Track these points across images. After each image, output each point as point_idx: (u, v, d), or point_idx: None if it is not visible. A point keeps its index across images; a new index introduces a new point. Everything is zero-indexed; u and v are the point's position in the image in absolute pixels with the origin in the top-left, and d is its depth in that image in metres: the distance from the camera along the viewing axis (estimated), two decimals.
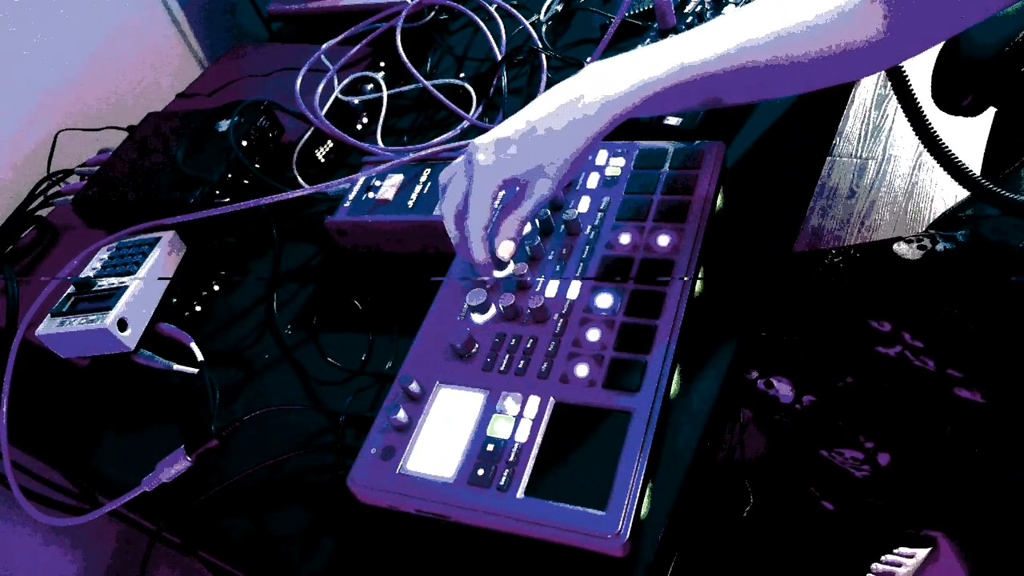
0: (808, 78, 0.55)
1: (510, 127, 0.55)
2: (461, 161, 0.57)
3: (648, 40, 0.80)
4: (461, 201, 0.55)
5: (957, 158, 0.63)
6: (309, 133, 0.84)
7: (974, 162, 0.66)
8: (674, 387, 0.54)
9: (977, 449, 0.61)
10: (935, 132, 0.63)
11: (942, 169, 0.64)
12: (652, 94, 0.54)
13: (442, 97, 0.83)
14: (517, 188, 0.55)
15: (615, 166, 0.67)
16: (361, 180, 0.75)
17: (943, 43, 0.73)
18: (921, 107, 0.62)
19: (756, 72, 0.53)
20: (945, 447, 0.62)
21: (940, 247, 0.64)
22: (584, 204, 0.65)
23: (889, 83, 0.62)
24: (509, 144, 0.54)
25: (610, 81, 0.54)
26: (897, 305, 0.64)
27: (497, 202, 0.55)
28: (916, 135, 0.63)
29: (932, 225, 0.75)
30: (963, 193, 0.73)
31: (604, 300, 0.57)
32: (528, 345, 0.56)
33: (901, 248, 0.66)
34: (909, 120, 0.63)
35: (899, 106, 0.62)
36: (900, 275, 0.65)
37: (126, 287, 0.67)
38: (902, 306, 0.64)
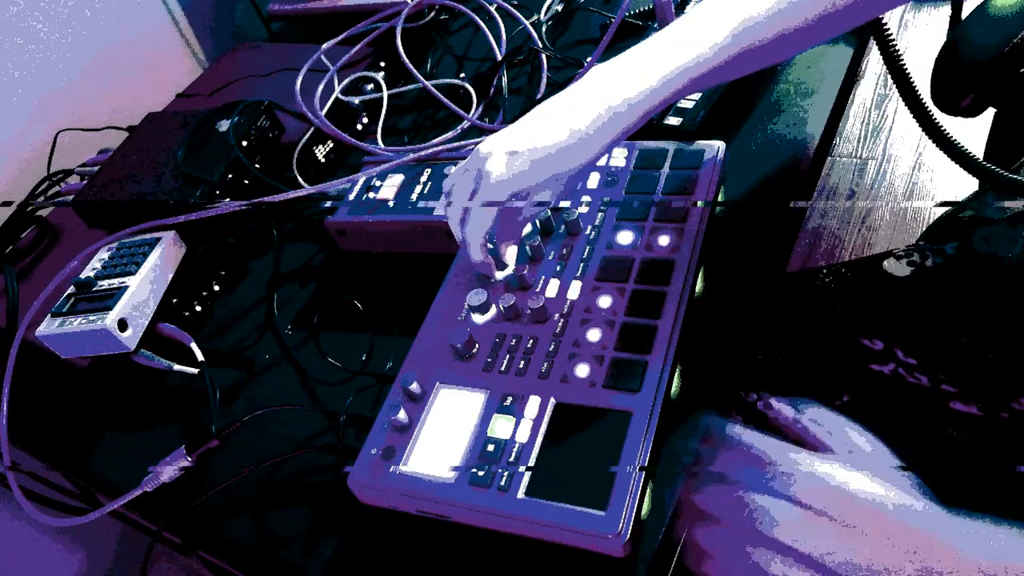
0: (819, 34, 0.54)
1: (520, 140, 0.54)
2: (464, 166, 0.57)
3: None
4: (462, 207, 0.56)
5: (956, 141, 0.62)
6: (309, 133, 0.84)
7: None
8: (674, 387, 0.54)
9: (976, 458, 0.61)
10: (930, 110, 0.62)
11: (940, 151, 0.63)
12: (658, 102, 0.53)
13: (442, 97, 0.83)
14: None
15: (615, 166, 0.67)
16: (361, 180, 0.75)
17: (943, 44, 0.73)
18: (913, 80, 0.62)
19: (759, 51, 0.53)
20: (946, 460, 0.62)
21: (929, 262, 0.64)
22: (584, 204, 0.65)
23: (888, 76, 0.62)
24: (519, 158, 0.54)
25: (616, 90, 0.53)
26: (888, 323, 0.64)
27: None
28: (910, 111, 0.63)
29: (930, 228, 0.75)
30: (963, 194, 0.74)
31: (604, 300, 0.57)
32: (528, 345, 0.56)
33: (891, 265, 0.66)
34: (903, 98, 0.62)
35: (899, 106, 0.62)
36: (890, 292, 0.65)
37: (126, 287, 0.67)
38: (893, 323, 0.64)
